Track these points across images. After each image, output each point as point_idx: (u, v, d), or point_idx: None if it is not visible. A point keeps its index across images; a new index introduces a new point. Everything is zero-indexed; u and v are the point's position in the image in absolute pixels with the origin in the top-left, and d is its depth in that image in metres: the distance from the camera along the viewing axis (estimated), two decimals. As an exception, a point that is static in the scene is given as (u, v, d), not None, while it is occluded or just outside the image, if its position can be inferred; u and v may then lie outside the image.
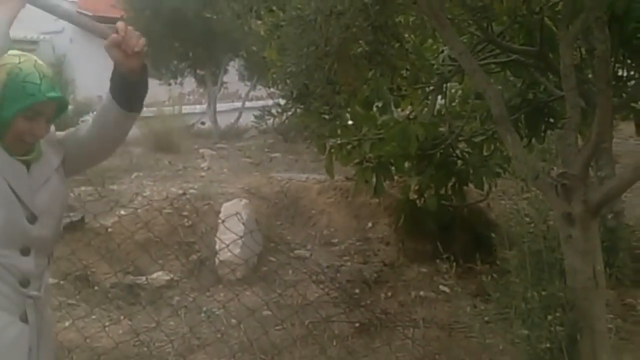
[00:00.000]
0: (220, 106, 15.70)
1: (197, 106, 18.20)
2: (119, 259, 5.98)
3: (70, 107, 12.43)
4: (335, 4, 3.75)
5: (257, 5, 4.59)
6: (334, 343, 4.81)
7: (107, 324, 4.89)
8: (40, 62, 2.12)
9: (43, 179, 2.12)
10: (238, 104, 16.33)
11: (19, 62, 2.05)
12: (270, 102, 11.94)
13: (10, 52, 2.07)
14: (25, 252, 2.04)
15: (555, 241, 3.63)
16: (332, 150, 5.78)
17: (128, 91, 2.16)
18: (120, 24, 2.07)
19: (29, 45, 21.80)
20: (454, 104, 6.36)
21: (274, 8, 4.49)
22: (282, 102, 4.69)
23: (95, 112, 2.23)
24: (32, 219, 2.05)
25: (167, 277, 5.94)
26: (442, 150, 5.95)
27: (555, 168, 3.59)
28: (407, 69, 5.10)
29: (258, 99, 16.94)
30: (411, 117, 5.84)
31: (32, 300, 2.08)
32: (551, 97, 5.16)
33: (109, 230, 6.08)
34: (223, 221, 5.87)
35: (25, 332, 2.04)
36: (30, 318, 2.07)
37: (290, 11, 4.01)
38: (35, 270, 2.09)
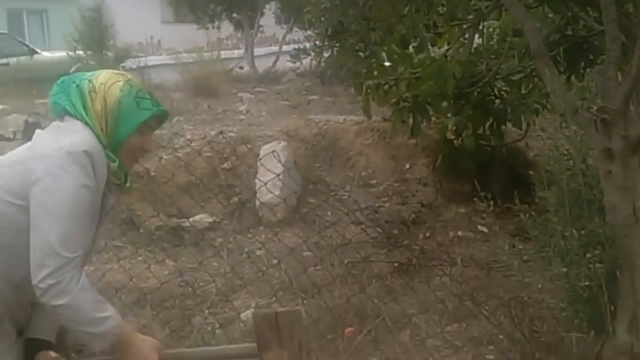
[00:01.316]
0: (257, 50, 15.66)
1: (235, 51, 18.17)
2: (163, 202, 6.10)
3: (110, 53, 12.53)
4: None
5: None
6: (373, 282, 4.88)
7: (152, 264, 5.03)
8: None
9: (109, 207, 2.16)
10: (275, 48, 16.27)
11: (129, 79, 2.06)
12: (307, 45, 11.89)
13: (105, 71, 2.11)
14: None
15: (595, 178, 3.60)
16: (369, 91, 5.76)
17: None
18: None
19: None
20: (491, 42, 6.24)
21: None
22: (318, 42, 4.67)
23: None
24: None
25: (210, 219, 6.05)
26: (479, 89, 5.87)
27: (598, 105, 3.54)
28: (443, 5, 5.01)
29: (295, 42, 16.84)
30: (448, 55, 5.77)
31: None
32: (591, 32, 5.05)
33: (152, 173, 6.18)
34: (260, 159, 5.93)
35: (20, 345, 2.11)
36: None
37: (324, -51, 3.97)
38: None
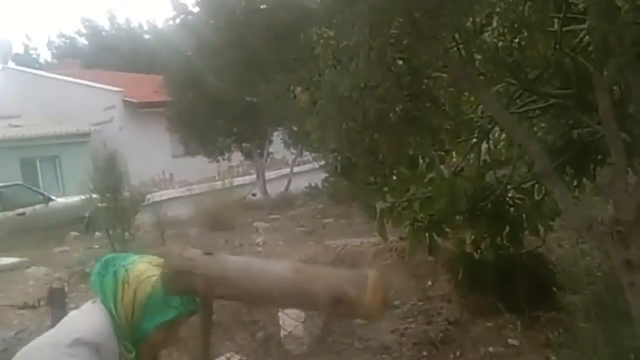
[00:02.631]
0: (269, 174, 15.97)
1: (247, 177, 18.54)
2: (190, 346, 6.04)
3: (126, 193, 12.78)
4: (368, 78, 3.85)
5: (293, 85, 4.73)
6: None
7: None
8: None
9: None
10: (286, 171, 16.60)
11: (165, 273, 2.09)
12: (317, 165, 12.11)
13: (145, 262, 2.14)
14: None
15: (619, 288, 3.57)
16: (383, 213, 5.79)
17: None
18: None
19: (82, 138, 22.61)
20: (499, 147, 6.33)
21: (310, 87, 4.62)
22: (327, 173, 4.78)
23: None
24: None
25: (237, 357, 5.98)
26: (492, 201, 5.90)
27: (612, 218, 3.55)
28: (447, 128, 5.15)
29: (305, 163, 17.18)
30: (457, 171, 5.84)
31: None
32: (596, 135, 5.12)
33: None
34: (282, 305, 5.91)
35: None
36: None
37: (325, 88, 4.12)
38: None
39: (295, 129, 9.77)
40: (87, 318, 2.03)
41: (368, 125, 3.98)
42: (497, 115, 3.71)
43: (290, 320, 5.56)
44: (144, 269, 2.10)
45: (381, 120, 4.06)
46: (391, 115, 4.29)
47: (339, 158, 4.24)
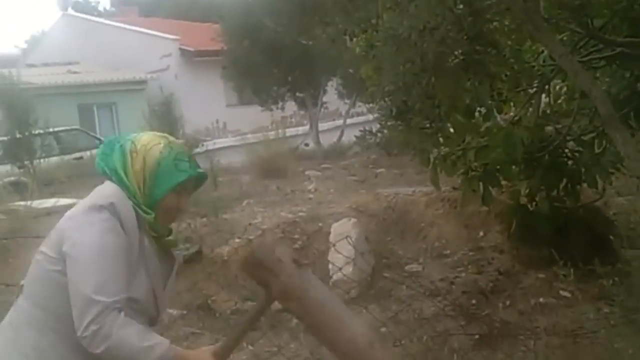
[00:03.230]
0: (322, 125, 15.95)
1: (300, 128, 18.55)
2: (237, 287, 6.14)
3: (181, 140, 12.96)
4: (428, 19, 3.77)
5: (350, 28, 4.66)
6: (454, 357, 4.75)
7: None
8: (182, 143, 2.30)
9: (171, 271, 2.22)
10: (339, 122, 16.54)
11: (170, 142, 2.17)
12: (370, 117, 12.03)
13: (149, 133, 2.23)
14: None
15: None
16: (436, 162, 5.74)
17: None
18: None
19: (139, 85, 22.90)
20: (559, 101, 6.18)
21: (367, 29, 4.55)
22: (382, 119, 4.71)
23: None
24: (154, 320, 2.16)
25: (285, 301, 6.05)
26: (550, 152, 5.79)
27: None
28: (506, 75, 5.02)
29: (359, 114, 17.09)
30: (515, 121, 5.72)
31: None
32: (662, 87, 4.96)
33: (225, 259, 6.26)
34: (334, 245, 5.93)
35: None
36: None
37: (383, 31, 4.05)
38: None
39: (351, 72, 9.69)
40: (97, 191, 2.11)
41: (426, 68, 3.92)
42: (561, 59, 3.60)
43: (340, 263, 5.57)
44: (149, 138, 2.17)
45: (439, 64, 3.99)
46: (450, 59, 4.21)
47: (394, 101, 4.18)
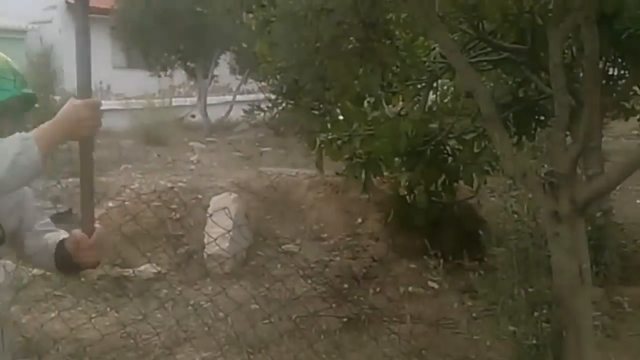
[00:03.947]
0: (210, 99, 15.67)
1: (188, 99, 18.16)
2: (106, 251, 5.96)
3: (57, 97, 12.35)
4: (326, 0, 3.76)
5: (247, 1, 4.58)
6: (322, 337, 4.82)
7: (93, 315, 4.88)
8: (10, 60, 2.08)
9: (19, 195, 2.06)
10: (229, 97, 16.31)
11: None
12: (261, 96, 11.96)
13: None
14: None
15: (543, 239, 3.66)
16: (322, 146, 5.77)
17: (71, 267, 2.10)
18: (99, 233, 2.00)
19: (18, 34, 21.69)
20: (445, 100, 6.35)
21: (265, 3, 4.48)
22: (272, 97, 4.68)
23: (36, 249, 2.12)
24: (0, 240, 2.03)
25: (155, 270, 5.93)
26: (432, 147, 5.93)
27: (545, 166, 3.62)
28: (397, 66, 5.10)
29: (249, 92, 16.92)
30: (402, 113, 5.84)
31: None
32: (542, 95, 5.18)
33: (97, 222, 6.04)
34: (211, 215, 5.86)
35: None
36: None
37: (281, 7, 4.01)
38: None
39: (245, 46, 9.53)
40: None
41: (320, 49, 3.90)
42: (451, 55, 3.69)
43: (216, 236, 5.50)
44: None
45: (334, 46, 3.99)
46: (345, 43, 4.21)
47: (285, 79, 4.15)
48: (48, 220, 2.21)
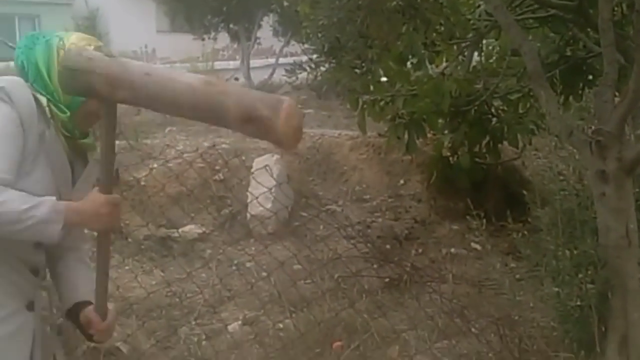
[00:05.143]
0: (253, 62, 15.66)
1: (231, 62, 18.19)
2: (152, 212, 6.06)
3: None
4: (368, -45, 3.70)
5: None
6: (363, 297, 4.84)
7: (139, 274, 4.98)
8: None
9: (85, 176, 2.13)
10: (272, 60, 16.28)
11: (99, 47, 2.03)
12: (304, 58, 11.89)
13: (79, 33, 2.11)
14: (38, 246, 2.04)
15: (589, 199, 3.58)
16: (365, 106, 5.74)
17: (78, 328, 2.17)
18: (111, 318, 2.09)
19: (66, 0, 21.91)
20: (490, 60, 6.24)
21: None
22: (314, 57, 4.66)
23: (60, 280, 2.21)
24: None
25: (199, 230, 6.01)
26: (476, 107, 5.86)
27: (592, 127, 3.53)
28: (441, 24, 5.02)
29: (292, 55, 16.86)
30: (445, 73, 5.76)
31: (40, 290, 2.12)
32: (590, 53, 5.05)
33: (142, 183, 6.14)
34: (253, 172, 5.88)
35: (30, 321, 2.05)
36: (37, 306, 2.09)
37: (322, -36, 3.96)
38: (44, 262, 2.12)
39: (287, 5, 9.44)
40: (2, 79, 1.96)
41: (361, 6, 3.85)
42: (496, 10, 3.59)
43: (260, 197, 5.54)
44: (79, 38, 2.07)
45: (376, 3, 3.93)
46: (387, 0, 4.15)
47: (327, 37, 4.11)
48: (89, 247, 2.31)
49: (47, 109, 1.98)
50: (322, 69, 5.24)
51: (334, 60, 4.39)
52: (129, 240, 5.73)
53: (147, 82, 1.72)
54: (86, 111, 2.03)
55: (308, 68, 4.73)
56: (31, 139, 1.92)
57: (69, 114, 2.00)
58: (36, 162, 1.94)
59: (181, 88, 1.69)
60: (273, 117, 1.59)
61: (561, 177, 3.78)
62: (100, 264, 2.03)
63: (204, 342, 4.25)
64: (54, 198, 1.87)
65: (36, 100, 1.96)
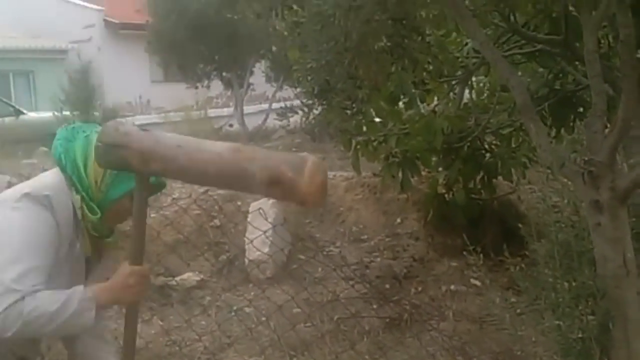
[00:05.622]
0: (247, 108, 15.78)
1: (225, 109, 18.34)
2: (150, 261, 6.01)
3: (96, 113, 12.56)
4: (353, -2, 3.75)
5: (276, 4, 4.60)
6: (364, 338, 4.81)
7: (138, 323, 4.92)
8: None
9: (100, 271, 2.19)
10: (265, 106, 16.41)
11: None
12: (297, 102, 11.98)
13: None
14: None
15: (585, 230, 3.59)
16: (358, 147, 5.78)
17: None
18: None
19: (59, 54, 22.14)
20: (482, 97, 6.30)
21: (294, 6, 4.50)
22: (305, 101, 4.70)
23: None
24: None
25: (198, 278, 5.97)
26: (469, 144, 5.90)
27: (585, 158, 3.55)
28: (429, 63, 5.08)
29: (285, 99, 16.98)
30: (437, 110, 5.81)
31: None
32: (579, 86, 5.10)
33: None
34: (247, 216, 5.87)
35: None
36: None
37: (309, 8, 4.02)
38: (36, 350, 2.22)
39: (277, 52, 9.59)
40: (39, 178, 2.00)
41: (349, 47, 3.89)
42: (482, 46, 3.64)
43: (257, 242, 5.53)
44: None
45: (363, 45, 3.98)
46: (374, 41, 4.20)
47: (316, 80, 4.16)
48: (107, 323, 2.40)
49: (79, 211, 2.01)
50: (315, 111, 5.29)
51: (324, 102, 4.42)
52: (127, 290, 5.67)
53: (178, 154, 1.77)
54: (118, 209, 2.06)
55: (300, 111, 4.78)
56: (63, 246, 1.98)
57: (99, 215, 2.03)
58: (61, 267, 1.99)
59: (210, 158, 1.74)
60: (297, 178, 1.63)
61: (556, 209, 3.78)
62: (128, 337, 2.06)
63: (205, 391, 4.20)
64: (81, 287, 1.91)
65: (73, 207, 2.00)
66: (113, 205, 2.05)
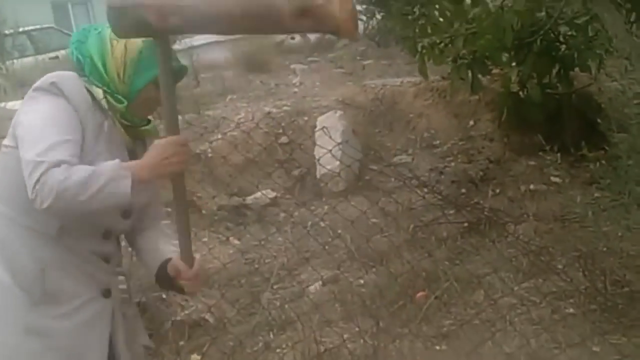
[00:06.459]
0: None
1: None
2: (223, 182, 6.07)
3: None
4: None
5: None
6: (442, 245, 4.74)
7: (216, 244, 5.00)
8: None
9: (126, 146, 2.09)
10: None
11: None
12: (358, 8, 11.63)
13: None
14: (107, 235, 2.06)
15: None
16: (424, 51, 5.57)
17: (171, 287, 2.14)
18: (199, 265, 2.03)
19: None
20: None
21: None
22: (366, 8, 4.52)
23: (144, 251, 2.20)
24: (127, 214, 2.06)
25: (271, 195, 6.00)
26: (541, 37, 5.60)
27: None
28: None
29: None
30: (504, 6, 5.51)
31: (116, 277, 2.13)
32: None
33: (209, 154, 6.15)
34: (317, 131, 5.79)
35: (108, 307, 2.07)
36: (114, 292, 2.10)
37: None
38: (115, 250, 2.13)
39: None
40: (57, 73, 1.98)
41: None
42: None
43: (326, 156, 5.46)
44: None
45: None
46: None
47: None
48: (168, 222, 2.27)
49: (103, 100, 1.97)
50: (378, 17, 5.09)
51: (383, 10, 4.22)
52: (203, 212, 5.76)
53: (197, 1, 1.70)
54: (144, 98, 2.01)
55: (363, 18, 4.60)
56: (89, 131, 1.92)
57: (126, 103, 1.99)
58: (96, 152, 1.92)
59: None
60: (327, 4, 1.58)
61: (635, 101, 3.55)
62: (180, 213, 1.97)
63: (286, 306, 4.25)
64: (117, 160, 1.84)
65: (90, 93, 1.96)
66: (139, 95, 2.00)
